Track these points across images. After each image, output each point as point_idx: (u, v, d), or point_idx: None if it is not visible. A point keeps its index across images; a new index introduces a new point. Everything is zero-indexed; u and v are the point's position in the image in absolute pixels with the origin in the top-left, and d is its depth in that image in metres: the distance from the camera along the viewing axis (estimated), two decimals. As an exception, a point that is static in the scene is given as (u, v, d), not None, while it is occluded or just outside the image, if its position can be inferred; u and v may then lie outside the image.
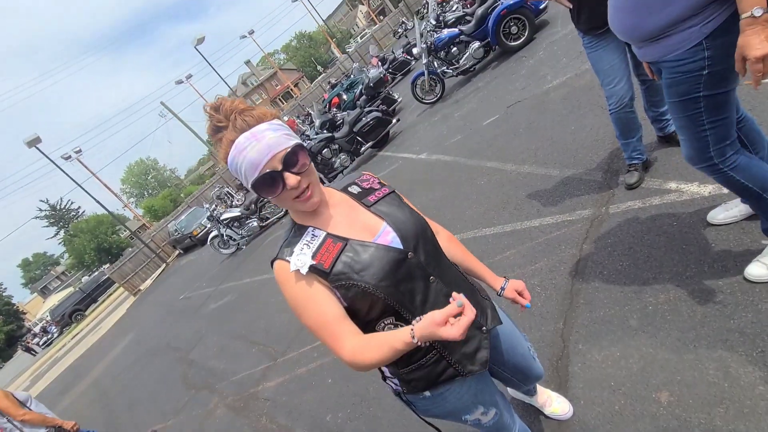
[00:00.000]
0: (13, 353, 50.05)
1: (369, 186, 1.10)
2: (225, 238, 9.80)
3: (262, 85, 59.35)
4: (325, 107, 13.13)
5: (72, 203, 57.83)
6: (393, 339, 0.87)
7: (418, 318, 0.86)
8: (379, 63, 12.29)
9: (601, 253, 2.30)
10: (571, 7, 2.30)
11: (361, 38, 39.43)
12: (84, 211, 55.92)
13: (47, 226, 55.99)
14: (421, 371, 1.04)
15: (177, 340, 7.09)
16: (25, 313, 61.35)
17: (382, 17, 48.29)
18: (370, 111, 8.03)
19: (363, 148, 8.01)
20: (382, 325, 0.98)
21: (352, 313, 0.96)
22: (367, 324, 0.98)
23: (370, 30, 39.37)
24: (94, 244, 41.86)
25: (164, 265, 19.37)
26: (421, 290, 0.99)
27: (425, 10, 12.83)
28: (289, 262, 0.93)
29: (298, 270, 0.91)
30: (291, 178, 0.90)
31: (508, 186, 3.58)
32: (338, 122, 9.51)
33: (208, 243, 10.41)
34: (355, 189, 1.08)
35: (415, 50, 7.86)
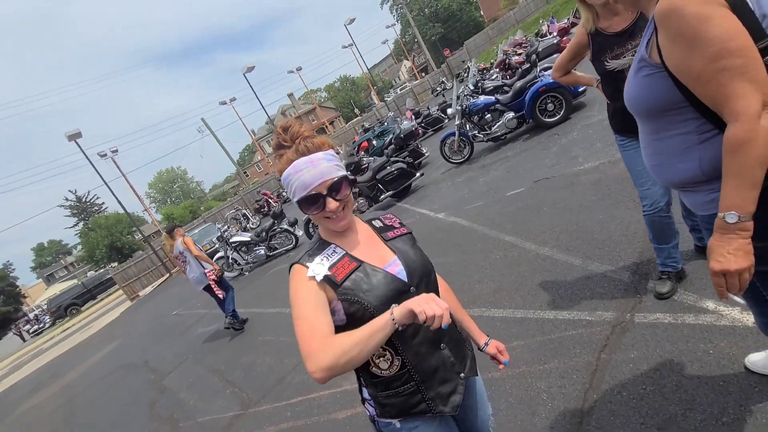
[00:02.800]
0: (3, 335, 49.76)
1: (390, 224, 1.25)
2: (230, 261, 9.65)
3: (299, 118, 61.58)
4: (353, 149, 13.32)
5: (98, 198, 59.33)
6: (372, 328, 0.94)
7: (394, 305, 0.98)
8: (413, 116, 12.52)
9: (623, 370, 2.02)
10: (608, 103, 2.20)
11: (400, 90, 40.94)
12: (107, 208, 57.17)
13: (69, 216, 57.27)
14: (396, 398, 1.12)
15: (156, 360, 6.78)
16: (25, 297, 61.50)
17: (423, 74, 50.36)
18: (396, 161, 8.02)
19: (383, 196, 7.93)
20: None
21: (349, 328, 1.03)
22: None
23: (411, 84, 40.91)
24: (108, 241, 42.33)
25: (167, 275, 19.25)
26: (412, 325, 1.06)
27: (465, 74, 13.20)
28: (307, 267, 1.05)
29: (314, 277, 1.03)
30: (331, 203, 1.06)
31: (525, 266, 3.35)
32: (363, 166, 9.54)
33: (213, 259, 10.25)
34: (378, 223, 1.24)
35: (449, 110, 7.94)
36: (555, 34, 12.69)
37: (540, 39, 12.73)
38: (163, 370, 6.04)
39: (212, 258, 10.46)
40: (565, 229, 3.53)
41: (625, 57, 2.00)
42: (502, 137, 7.47)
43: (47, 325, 28.93)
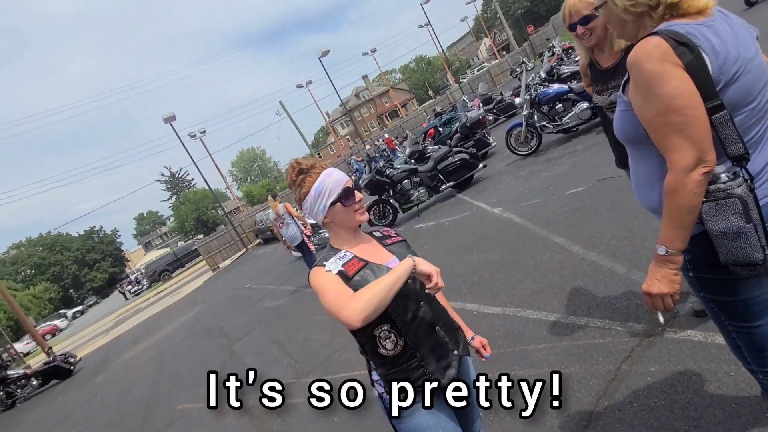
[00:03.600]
0: (110, 292, 57.86)
1: (387, 234, 1.55)
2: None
3: (372, 100, 62.47)
4: (419, 137, 13.45)
5: (188, 174, 65.90)
6: (395, 270, 1.21)
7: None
8: (481, 105, 12.29)
9: (639, 381, 2.09)
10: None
11: (477, 70, 39.75)
12: (195, 183, 63.26)
13: (164, 190, 64.37)
14: (402, 374, 1.33)
15: (230, 327, 7.70)
16: (128, 261, 70.71)
17: (504, 53, 48.22)
18: (459, 152, 8.07)
19: (443, 187, 8.06)
20: (379, 330, 1.30)
21: None
22: (367, 327, 1.27)
23: (489, 64, 39.51)
24: (196, 214, 47.06)
25: (244, 249, 21.09)
26: (412, 309, 1.33)
27: (549, 53, 12.60)
28: (324, 266, 1.30)
29: (330, 271, 1.29)
30: (358, 195, 1.40)
31: (568, 270, 3.39)
32: (427, 155, 9.69)
33: (281, 243, 11.13)
34: (377, 234, 1.53)
35: (518, 99, 7.79)
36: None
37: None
38: (234, 337, 6.88)
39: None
40: (617, 235, 3.49)
41: (603, 95, 2.07)
42: (574, 129, 7.19)
43: (144, 287, 33.17)
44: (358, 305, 1.15)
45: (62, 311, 43.79)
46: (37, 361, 16.68)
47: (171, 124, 20.92)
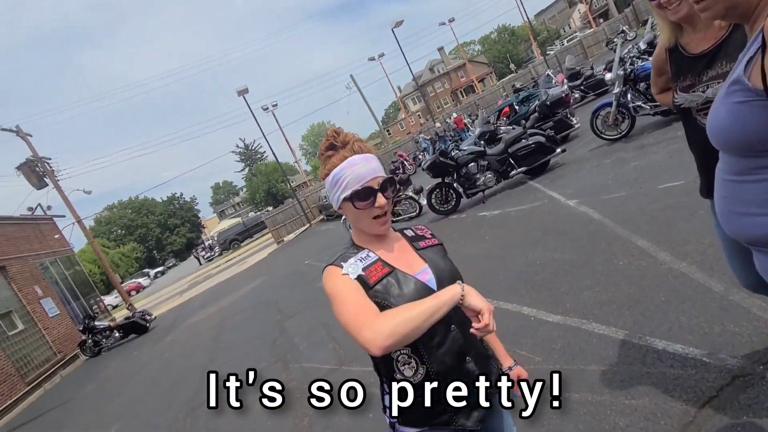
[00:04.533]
0: (187, 256, 63.64)
1: (422, 234, 1.33)
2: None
3: (447, 74, 60.82)
4: (492, 116, 12.81)
5: (260, 146, 69.61)
6: (438, 295, 1.04)
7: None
8: (565, 81, 11.32)
9: (724, 431, 1.76)
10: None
11: (568, 41, 36.91)
12: (267, 156, 66.72)
13: (238, 161, 68.73)
14: (419, 407, 1.17)
15: (284, 303, 8.02)
16: (204, 227, 77.04)
17: (601, 21, 44.17)
18: (534, 133, 7.53)
19: (513, 172, 7.60)
20: (398, 353, 1.15)
21: None
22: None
23: (582, 34, 36.49)
24: (266, 186, 49.82)
25: (308, 225, 21.88)
26: (440, 333, 1.14)
27: (653, 23, 11.26)
28: (341, 267, 1.15)
29: (348, 274, 1.13)
30: (381, 199, 1.16)
31: (650, 280, 2.98)
32: (498, 136, 9.19)
33: (341, 221, 11.33)
34: (409, 232, 1.32)
35: (608, 75, 7.03)
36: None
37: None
38: (287, 313, 7.16)
39: (342, 216, 11.53)
40: (715, 243, 2.98)
41: (695, 91, 1.53)
42: (675, 111, 6.34)
43: (216, 254, 35.92)
44: (384, 329, 0.98)
45: (146, 270, 49.06)
46: (121, 315, 18.87)
47: (244, 97, 21.95)
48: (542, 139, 7.38)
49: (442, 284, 1.16)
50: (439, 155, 7.90)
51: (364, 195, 1.15)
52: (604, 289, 3.17)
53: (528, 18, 37.02)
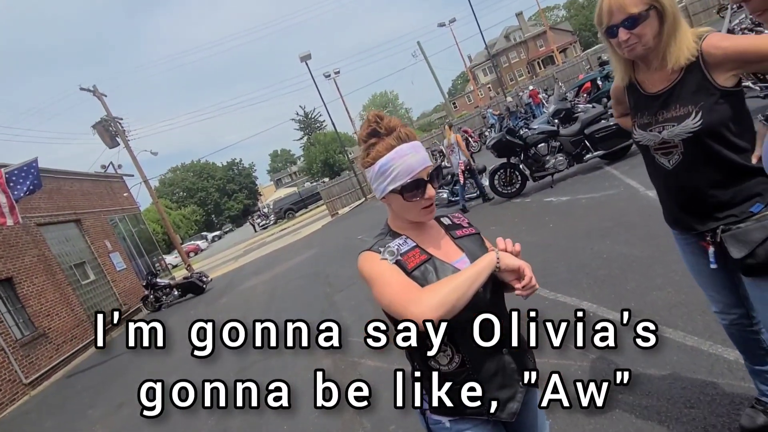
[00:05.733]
0: (243, 222, 67.26)
1: (459, 222, 1.37)
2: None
3: (524, 43, 58.01)
4: (571, 91, 12.18)
5: (320, 115, 70.99)
6: (471, 268, 1.10)
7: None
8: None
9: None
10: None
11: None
12: (326, 126, 67.96)
13: (297, 129, 70.61)
14: (452, 396, 1.22)
15: (335, 277, 8.37)
16: (260, 195, 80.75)
17: (713, -17, 39.71)
18: (616, 114, 7.13)
19: (588, 156, 7.28)
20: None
21: None
22: (419, 337, 1.18)
23: (687, -1, 33.11)
24: (324, 156, 50.87)
25: (363, 199, 22.29)
26: (476, 320, 1.17)
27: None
28: (379, 253, 1.18)
29: (386, 259, 1.16)
30: (431, 190, 1.20)
31: (731, 285, 2.83)
32: (575, 115, 8.79)
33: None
34: (446, 221, 1.36)
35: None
36: None
37: None
38: (337, 287, 7.48)
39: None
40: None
41: (651, 131, 1.55)
42: (791, 94, 5.74)
43: (272, 222, 37.63)
44: (432, 300, 1.02)
45: (204, 233, 52.57)
46: (180, 275, 20.52)
47: (306, 63, 22.46)
48: (625, 120, 6.97)
49: None
50: (506, 133, 7.72)
51: (414, 187, 1.17)
52: (676, 291, 3.05)
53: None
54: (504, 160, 7.91)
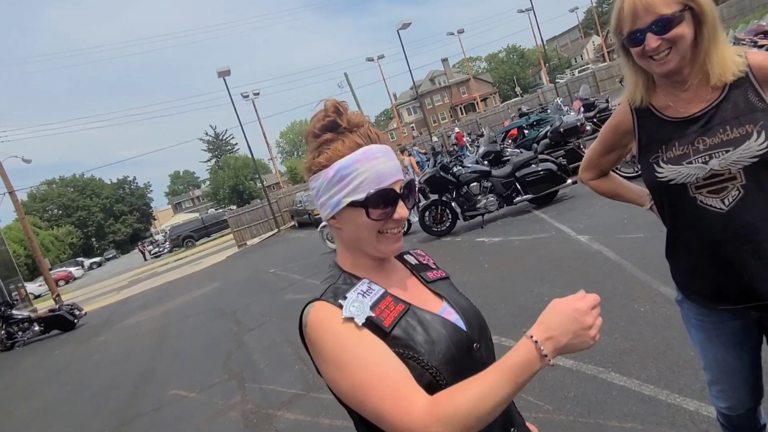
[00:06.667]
0: (130, 249, 61.75)
1: (425, 262, 1.10)
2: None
3: (448, 88, 61.93)
4: (498, 136, 12.96)
5: (232, 137, 68.93)
6: (505, 365, 0.75)
7: (524, 329, 0.78)
8: (581, 109, 11.61)
9: None
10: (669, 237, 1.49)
11: (579, 71, 38.23)
12: (238, 149, 66.03)
13: (204, 150, 67.78)
14: None
15: (243, 313, 7.74)
16: (155, 219, 75.21)
17: (615, 56, 45.95)
18: (545, 160, 7.61)
19: (518, 199, 7.63)
20: None
21: None
22: None
23: (595, 67, 37.84)
24: (233, 182, 48.93)
25: (276, 230, 21.53)
26: None
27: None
28: (339, 307, 0.85)
29: (352, 318, 0.83)
30: (403, 208, 0.92)
31: (676, 332, 2.93)
32: (504, 158, 9.27)
33: (318, 229, 11.14)
34: (411, 259, 1.08)
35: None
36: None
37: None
38: (246, 325, 6.88)
39: (320, 224, 11.37)
40: (752, 299, 2.98)
41: (691, 163, 1.26)
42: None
43: (165, 251, 34.90)
44: (451, 417, 0.72)
45: (80, 259, 47.25)
46: (44, 307, 17.96)
47: (224, 79, 21.72)
48: (553, 167, 7.46)
49: (471, 328, 0.96)
50: (440, 169, 7.87)
51: (383, 199, 0.89)
52: (624, 337, 3.10)
53: (543, 40, 38.24)
54: (436, 196, 8.02)
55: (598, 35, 57.56)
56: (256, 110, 35.11)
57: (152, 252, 36.48)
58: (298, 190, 23.26)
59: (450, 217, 7.99)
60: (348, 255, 0.97)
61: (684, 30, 1.17)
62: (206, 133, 67.21)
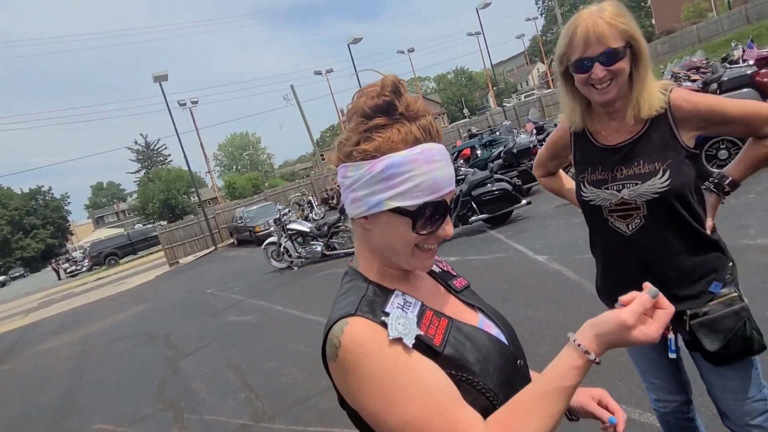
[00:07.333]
0: (42, 267, 57.18)
1: (446, 269, 1.02)
2: (281, 249, 10.11)
3: (397, 106, 63.18)
4: (452, 155, 13.29)
5: (165, 148, 66.19)
6: (554, 377, 0.71)
7: (569, 334, 0.74)
8: (534, 131, 12.17)
9: None
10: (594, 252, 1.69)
11: (525, 96, 40.26)
12: (172, 161, 63.45)
13: (133, 160, 64.53)
14: None
15: (178, 337, 7.29)
16: (72, 234, 70.30)
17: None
18: (501, 180, 7.84)
19: (474, 218, 7.79)
20: None
21: None
22: None
23: (539, 92, 40.00)
24: (164, 196, 46.79)
25: (213, 248, 20.72)
26: None
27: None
28: (383, 325, 0.74)
29: (401, 339, 0.73)
30: (449, 225, 0.83)
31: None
32: (459, 177, 9.47)
33: (262, 247, 10.83)
34: (435, 267, 0.98)
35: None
36: (751, 62, 11.53)
37: (728, 66, 11.67)
38: (183, 350, 6.48)
39: (263, 242, 11.08)
40: (710, 317, 3.16)
41: (608, 188, 1.45)
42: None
43: (84, 269, 32.64)
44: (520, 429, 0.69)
45: (-21, 278, 43.13)
46: (-66, 331, 16.12)
47: (161, 85, 20.93)
48: (509, 187, 7.69)
49: (514, 343, 0.91)
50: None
51: (433, 214, 0.79)
52: (590, 355, 3.18)
53: (491, 64, 40.01)
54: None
55: (543, 62, 61.06)
56: (193, 119, 33.97)
57: (68, 270, 34.03)
58: (238, 206, 22.63)
59: (404, 235, 8.00)
60: (374, 263, 0.86)
61: (625, 65, 1.32)
62: (136, 142, 64.10)
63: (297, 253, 10.03)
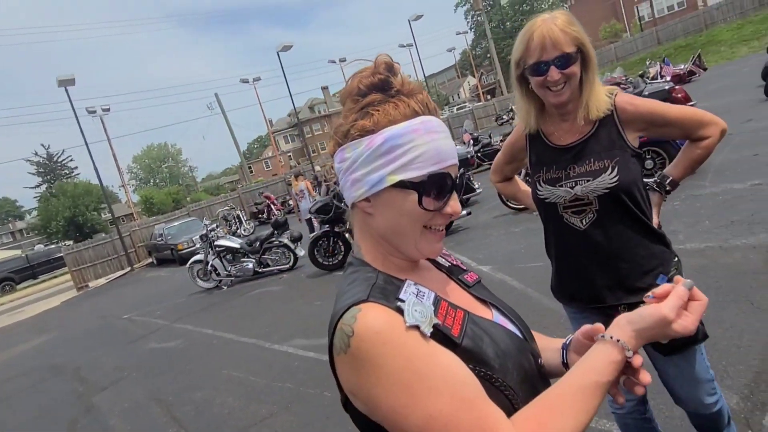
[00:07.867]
0: None
1: (456, 263, 1.00)
2: (209, 268, 9.64)
3: (329, 117, 63.14)
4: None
5: (71, 160, 61.71)
6: (590, 372, 0.70)
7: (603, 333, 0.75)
8: (471, 142, 12.55)
9: None
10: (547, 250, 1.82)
11: (457, 109, 41.69)
12: (78, 174, 59.25)
13: (33, 174, 59.56)
14: None
15: (90, 369, 6.70)
16: (-43, 258, 63.45)
17: (489, 96, 51.16)
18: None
19: (414, 230, 7.84)
20: None
21: None
22: None
23: (471, 105, 41.58)
24: (70, 213, 43.50)
25: (129, 268, 19.47)
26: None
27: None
28: (399, 312, 0.70)
29: (418, 326, 0.69)
30: (456, 201, 0.81)
31: (591, 357, 3.15)
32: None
33: (187, 266, 10.29)
34: (443, 261, 0.97)
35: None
36: (668, 78, 12.68)
37: (648, 81, 12.73)
38: (96, 384, 5.94)
39: (189, 260, 10.53)
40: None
41: (562, 186, 1.57)
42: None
43: (-28, 297, 29.46)
44: (554, 427, 0.66)
45: None
46: None
47: (66, 89, 19.53)
48: (449, 197, 7.83)
49: (530, 339, 0.91)
50: (333, 198, 7.80)
51: (440, 186, 0.77)
52: (543, 365, 3.24)
53: (424, 75, 41.12)
54: (327, 228, 7.91)
55: (473, 76, 63.67)
56: (105, 128, 32.03)
57: (-48, 299, 30.52)
58: (158, 222, 21.45)
59: (342, 249, 7.90)
60: (378, 252, 0.83)
61: (577, 69, 1.45)
62: (36, 153, 59.24)
63: (226, 271, 9.62)
